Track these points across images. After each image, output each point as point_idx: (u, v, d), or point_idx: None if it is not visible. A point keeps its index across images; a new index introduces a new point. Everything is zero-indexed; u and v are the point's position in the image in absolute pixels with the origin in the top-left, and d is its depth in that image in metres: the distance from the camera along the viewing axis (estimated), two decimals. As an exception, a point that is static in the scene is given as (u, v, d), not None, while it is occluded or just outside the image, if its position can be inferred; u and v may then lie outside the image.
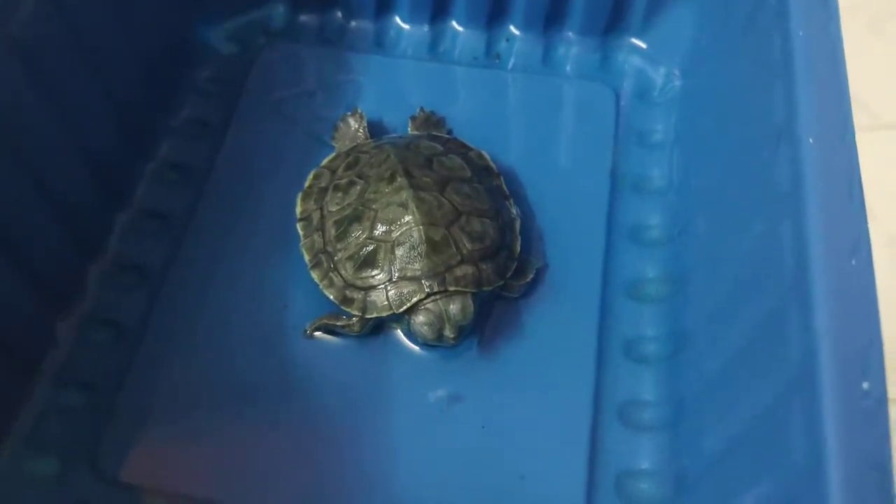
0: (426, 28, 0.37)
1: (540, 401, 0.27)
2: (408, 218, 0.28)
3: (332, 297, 0.28)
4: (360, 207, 0.29)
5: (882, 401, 0.16)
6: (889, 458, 0.16)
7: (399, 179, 0.29)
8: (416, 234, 0.28)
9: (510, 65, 0.36)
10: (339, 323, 0.28)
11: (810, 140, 0.21)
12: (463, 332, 0.27)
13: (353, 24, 0.38)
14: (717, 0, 0.32)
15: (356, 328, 0.28)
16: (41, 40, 0.26)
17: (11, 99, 0.25)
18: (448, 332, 0.27)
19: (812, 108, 0.22)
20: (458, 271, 0.27)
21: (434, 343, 0.27)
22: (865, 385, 0.17)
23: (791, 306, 0.19)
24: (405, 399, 0.27)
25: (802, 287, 0.19)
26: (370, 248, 0.28)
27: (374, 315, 0.27)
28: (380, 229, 0.28)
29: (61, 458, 0.26)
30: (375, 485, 0.25)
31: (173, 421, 0.27)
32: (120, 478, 0.26)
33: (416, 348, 0.28)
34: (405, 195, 0.28)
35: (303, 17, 0.38)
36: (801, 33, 0.23)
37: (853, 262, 0.18)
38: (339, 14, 0.38)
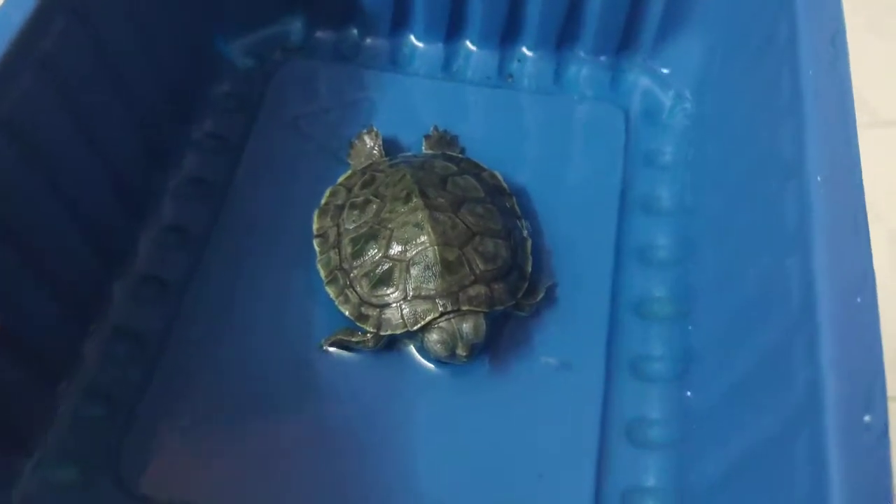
0: (440, 47, 0.38)
1: (549, 417, 0.28)
2: (423, 238, 0.29)
3: (347, 313, 0.29)
4: (376, 226, 0.30)
5: (883, 435, 0.17)
6: (889, 490, 0.17)
7: (415, 199, 0.30)
8: (430, 255, 0.28)
9: (522, 84, 0.37)
10: (354, 339, 0.29)
11: (819, 178, 0.22)
12: (475, 350, 0.28)
13: (369, 41, 0.38)
14: (728, 27, 0.33)
15: (371, 344, 0.29)
16: (70, 59, 0.27)
17: (43, 118, 0.26)
18: (460, 350, 0.28)
19: (821, 147, 0.22)
20: (471, 291, 0.28)
21: (447, 360, 0.28)
22: (867, 419, 0.18)
23: (797, 339, 0.20)
24: (418, 414, 0.28)
25: (809, 322, 0.20)
26: (386, 266, 0.29)
27: (389, 332, 0.28)
28: (395, 248, 0.29)
29: (84, 468, 0.27)
30: (391, 495, 0.26)
31: (193, 433, 0.28)
32: (141, 488, 0.26)
33: (429, 364, 0.29)
34: (421, 215, 0.29)
35: (319, 34, 0.39)
36: (810, 72, 0.23)
37: (858, 300, 0.19)
38: (355, 31, 0.38)
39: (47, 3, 0.25)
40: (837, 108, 0.23)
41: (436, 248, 0.28)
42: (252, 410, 0.28)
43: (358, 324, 0.29)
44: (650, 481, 0.27)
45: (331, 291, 0.30)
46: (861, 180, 0.22)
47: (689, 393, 0.27)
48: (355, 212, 0.31)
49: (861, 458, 0.17)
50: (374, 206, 0.30)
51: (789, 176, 0.23)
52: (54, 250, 0.27)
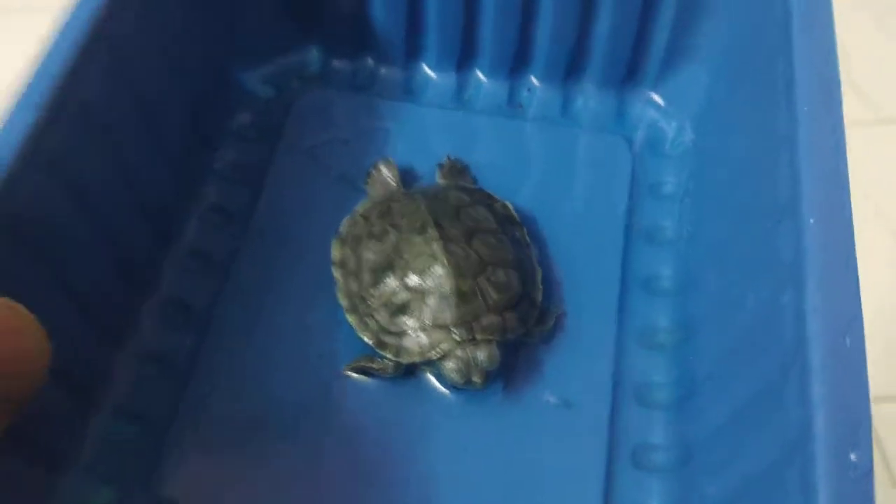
0: (452, 76, 0.39)
1: (558, 441, 0.30)
2: (438, 269, 0.30)
3: (368, 340, 0.31)
4: (394, 256, 0.31)
5: (868, 473, 0.19)
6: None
7: (430, 231, 0.31)
8: (446, 286, 0.30)
9: (531, 114, 0.39)
10: (374, 365, 0.31)
11: (811, 221, 0.23)
12: (489, 377, 0.30)
13: (383, 70, 0.40)
14: (728, 63, 0.34)
15: (390, 370, 0.30)
16: (108, 101, 0.28)
17: (82, 157, 0.27)
18: (475, 378, 0.29)
19: (815, 190, 0.24)
20: (485, 321, 0.30)
21: (463, 386, 0.30)
22: (853, 457, 0.19)
23: (791, 374, 0.22)
24: (433, 437, 0.30)
25: (801, 360, 0.21)
26: (403, 296, 0.30)
27: (407, 360, 0.30)
28: (412, 279, 0.31)
29: (118, 488, 0.29)
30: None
31: (222, 454, 0.29)
32: None
33: (446, 390, 0.31)
34: (436, 247, 0.31)
35: (335, 63, 0.40)
36: (805, 108, 0.25)
37: (847, 342, 0.21)
38: (370, 61, 0.40)
39: (89, 50, 0.27)
40: (831, 151, 0.25)
41: (451, 279, 0.30)
42: (275, 434, 0.30)
43: (378, 351, 0.30)
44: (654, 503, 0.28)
45: (351, 319, 0.31)
46: (851, 219, 0.24)
47: (690, 419, 0.29)
48: (373, 242, 0.32)
49: (847, 492, 0.19)
50: (392, 237, 0.32)
51: (784, 215, 0.24)
52: (87, 276, 0.29)
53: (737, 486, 0.24)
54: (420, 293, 0.30)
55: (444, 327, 0.30)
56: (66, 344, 0.22)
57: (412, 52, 0.39)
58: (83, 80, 0.27)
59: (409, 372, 0.31)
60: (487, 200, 0.34)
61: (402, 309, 0.30)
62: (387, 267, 0.31)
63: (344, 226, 0.34)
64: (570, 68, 0.38)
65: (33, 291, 0.20)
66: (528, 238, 0.34)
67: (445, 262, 0.30)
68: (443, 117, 0.39)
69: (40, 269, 0.26)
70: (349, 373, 0.31)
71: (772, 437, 0.23)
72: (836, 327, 0.21)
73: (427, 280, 0.30)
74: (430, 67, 0.40)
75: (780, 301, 0.24)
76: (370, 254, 0.32)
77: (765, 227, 0.26)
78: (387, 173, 0.36)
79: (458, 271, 0.30)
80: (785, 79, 0.27)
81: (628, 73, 0.38)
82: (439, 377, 0.30)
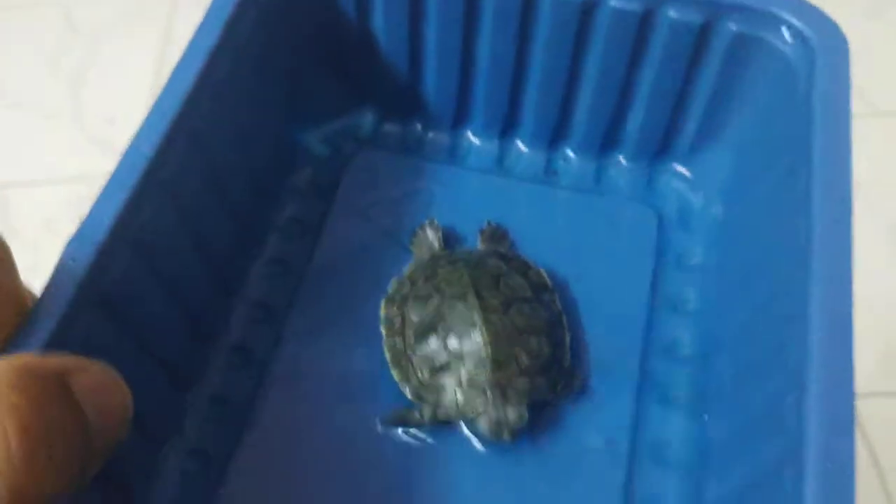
0: (495, 144, 0.43)
1: (578, 496, 0.33)
2: (477, 336, 0.33)
3: (408, 394, 0.34)
4: (437, 320, 0.35)
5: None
6: None
7: (470, 300, 0.34)
8: (483, 352, 0.33)
9: (566, 183, 0.42)
10: (411, 417, 0.34)
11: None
12: (518, 434, 0.33)
13: (431, 135, 0.43)
14: (754, 151, 0.37)
15: (427, 424, 0.34)
16: (184, 179, 0.32)
17: (162, 231, 0.31)
18: (505, 435, 0.32)
19: (822, 306, 0.26)
20: (517, 384, 0.33)
21: (494, 440, 0.33)
22: None
23: (787, 468, 0.24)
24: (465, 484, 0.33)
25: (798, 457, 0.24)
26: (443, 357, 0.34)
27: (444, 416, 0.33)
28: (453, 342, 0.34)
29: None
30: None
31: (275, 490, 0.33)
32: None
33: (477, 443, 0.34)
34: (476, 316, 0.34)
35: (387, 127, 0.43)
36: (818, 228, 0.28)
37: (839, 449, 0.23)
38: (419, 126, 0.43)
39: (170, 138, 0.30)
40: (839, 261, 0.27)
41: (488, 346, 0.33)
42: (322, 473, 0.33)
43: (416, 403, 0.34)
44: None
45: (395, 374, 0.34)
46: (852, 326, 0.26)
47: (703, 483, 0.32)
48: (418, 304, 0.35)
49: None
50: (436, 301, 0.35)
51: (793, 319, 0.27)
52: (161, 331, 0.33)
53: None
54: (459, 356, 0.33)
55: (479, 388, 0.33)
56: (141, 391, 0.25)
57: (459, 119, 0.43)
58: (165, 163, 0.30)
59: (444, 424, 0.34)
60: (524, 268, 0.37)
61: (442, 368, 0.34)
62: (430, 328, 0.34)
63: (392, 286, 0.37)
64: (605, 143, 0.41)
65: (118, 352, 0.24)
66: (558, 304, 0.36)
67: (484, 329, 0.33)
68: (484, 182, 0.42)
69: (124, 332, 0.30)
70: (389, 423, 0.34)
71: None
72: (831, 432, 0.24)
73: (466, 345, 0.33)
74: (474, 135, 0.43)
75: (784, 400, 0.26)
76: (415, 315, 0.35)
77: (776, 324, 0.29)
78: (431, 234, 0.39)
79: (495, 339, 0.33)
80: (804, 185, 0.30)
81: (660, 147, 0.41)
82: (472, 430, 0.34)
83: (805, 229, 0.28)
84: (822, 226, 0.28)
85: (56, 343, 0.25)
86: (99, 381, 0.23)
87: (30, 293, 0.26)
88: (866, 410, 0.76)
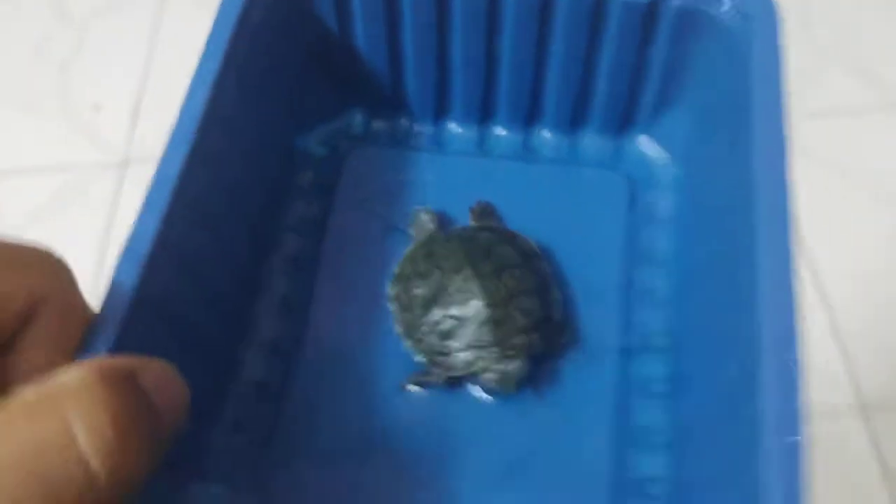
0: (475, 130, 0.47)
1: (577, 434, 0.37)
2: (476, 302, 0.38)
3: (421, 359, 0.39)
4: (439, 291, 0.39)
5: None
6: None
7: (466, 271, 0.39)
8: (483, 314, 0.38)
9: (542, 158, 0.46)
10: (427, 378, 0.38)
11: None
12: (520, 384, 0.37)
13: (416, 128, 0.47)
14: (707, 114, 0.41)
15: (441, 383, 0.38)
16: (207, 192, 0.36)
17: (190, 240, 0.35)
18: (510, 387, 0.37)
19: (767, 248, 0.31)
20: (515, 340, 0.38)
21: (499, 392, 0.38)
22: None
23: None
24: (477, 433, 0.38)
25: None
26: (448, 324, 0.38)
27: (454, 373, 0.38)
28: (455, 310, 0.38)
29: (231, 487, 0.37)
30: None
31: (311, 467, 0.37)
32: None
33: (485, 395, 0.38)
34: (473, 285, 0.38)
35: (376, 124, 0.48)
36: (759, 176, 0.32)
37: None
38: (405, 121, 0.47)
39: (191, 157, 0.34)
40: (778, 196, 0.31)
41: (487, 309, 0.38)
42: (357, 431, 0.38)
43: (430, 367, 0.38)
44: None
45: (407, 343, 0.39)
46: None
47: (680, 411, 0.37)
48: (421, 280, 0.40)
49: None
50: (436, 276, 0.40)
51: (744, 252, 0.31)
52: (191, 324, 0.37)
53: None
54: (462, 321, 0.38)
55: (482, 347, 0.37)
56: (189, 382, 0.30)
57: (440, 111, 0.47)
58: (189, 183, 0.34)
59: (454, 382, 0.39)
60: (511, 238, 0.42)
61: (448, 334, 0.38)
62: (434, 300, 0.39)
63: (396, 268, 0.41)
64: (575, 119, 0.45)
65: (166, 352, 0.28)
66: (547, 267, 0.41)
67: (482, 295, 0.38)
68: (469, 164, 0.46)
69: (171, 334, 0.34)
70: (408, 386, 0.39)
71: None
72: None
73: (467, 310, 0.38)
74: (456, 124, 0.47)
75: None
76: (419, 290, 0.40)
77: (734, 257, 0.34)
78: (426, 218, 0.43)
79: (491, 302, 0.38)
80: (745, 138, 0.34)
81: (624, 120, 0.45)
82: (480, 384, 0.38)
83: (748, 173, 0.33)
84: (762, 170, 0.32)
85: (119, 347, 0.29)
86: (161, 376, 0.26)
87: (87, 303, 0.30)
88: (881, 426, 0.76)
